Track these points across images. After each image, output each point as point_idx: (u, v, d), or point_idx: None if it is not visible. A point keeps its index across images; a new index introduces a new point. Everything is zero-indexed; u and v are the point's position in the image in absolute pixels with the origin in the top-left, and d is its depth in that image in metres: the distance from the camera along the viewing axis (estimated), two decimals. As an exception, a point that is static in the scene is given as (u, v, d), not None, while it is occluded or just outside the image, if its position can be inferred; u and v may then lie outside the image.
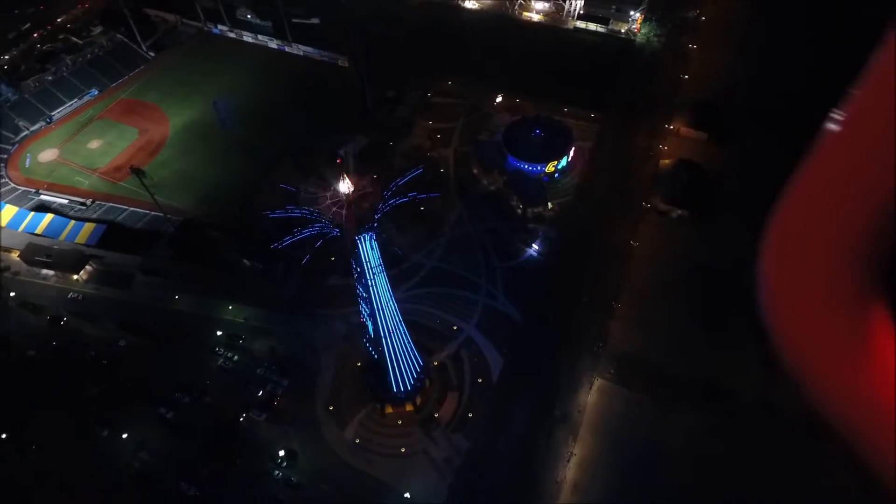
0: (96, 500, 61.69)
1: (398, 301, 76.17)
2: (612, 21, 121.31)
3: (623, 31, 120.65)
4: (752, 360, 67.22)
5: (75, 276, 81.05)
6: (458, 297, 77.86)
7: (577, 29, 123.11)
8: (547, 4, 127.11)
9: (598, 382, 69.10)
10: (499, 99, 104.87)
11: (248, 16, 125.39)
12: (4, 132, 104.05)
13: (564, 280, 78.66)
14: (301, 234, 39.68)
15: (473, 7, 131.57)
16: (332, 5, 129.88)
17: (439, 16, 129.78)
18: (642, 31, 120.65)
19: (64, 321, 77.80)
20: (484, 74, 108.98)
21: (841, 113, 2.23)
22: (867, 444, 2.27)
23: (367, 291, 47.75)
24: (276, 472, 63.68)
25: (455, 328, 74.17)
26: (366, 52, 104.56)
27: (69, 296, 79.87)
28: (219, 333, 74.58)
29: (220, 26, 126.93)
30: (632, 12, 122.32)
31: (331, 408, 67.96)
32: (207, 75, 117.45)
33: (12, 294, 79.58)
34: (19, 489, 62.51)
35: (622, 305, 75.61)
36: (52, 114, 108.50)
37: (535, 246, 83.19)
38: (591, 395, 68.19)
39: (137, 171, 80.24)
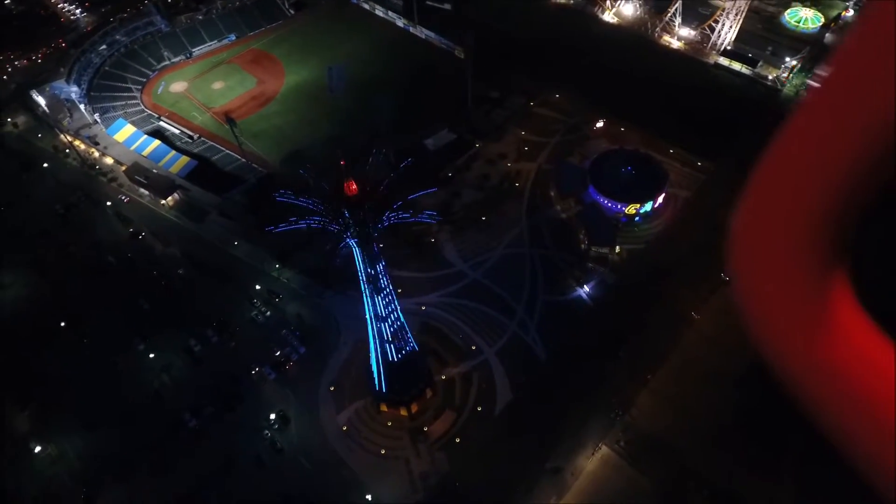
0: (112, 403, 69.71)
1: (429, 304, 77.77)
2: (760, 64, 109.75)
3: (770, 77, 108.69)
4: (788, 493, 59.60)
5: (163, 201, 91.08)
6: (490, 318, 76.42)
7: (717, 65, 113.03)
8: (693, 33, 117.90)
9: (603, 450, 64.69)
10: (600, 123, 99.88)
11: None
12: (150, 59, 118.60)
13: (605, 332, 73.95)
14: (297, 224, 41.29)
15: (612, 21, 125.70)
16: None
17: (573, 23, 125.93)
18: (792, 81, 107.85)
19: (142, 236, 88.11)
20: (596, 94, 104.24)
21: (824, 71, 2.30)
22: (822, 407, 2.35)
23: (364, 293, 48.49)
24: (267, 431, 67.65)
25: (474, 348, 73.08)
26: (478, 47, 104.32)
27: (118, 196, 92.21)
28: (258, 287, 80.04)
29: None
30: (788, 59, 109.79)
31: (332, 388, 70.50)
32: (332, 41, 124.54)
33: (108, 203, 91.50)
34: (59, 373, 72.51)
35: (659, 379, 69.65)
36: (193, 50, 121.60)
37: (586, 287, 78.98)
38: (592, 462, 64.05)
39: (230, 121, 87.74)
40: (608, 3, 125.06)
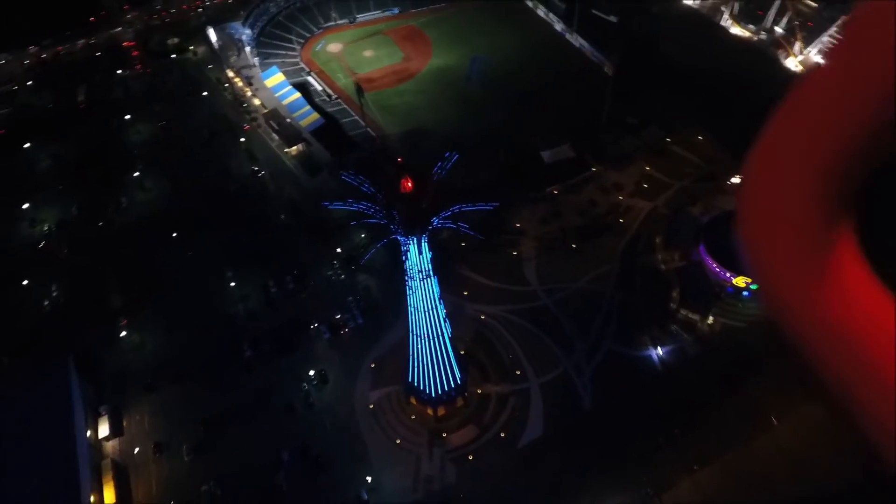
0: (192, 314, 79.73)
1: (490, 315, 78.11)
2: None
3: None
4: None
5: (287, 149, 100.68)
6: (546, 348, 74.87)
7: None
8: None
9: (619, 523, 61.15)
10: (737, 179, 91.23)
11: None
12: (319, 17, 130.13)
13: (666, 403, 69.02)
14: (351, 206, 44.01)
15: (794, 69, 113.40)
16: (641, 12, 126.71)
17: (749, 62, 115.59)
18: None
19: (261, 175, 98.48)
20: (746, 145, 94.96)
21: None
22: (822, 361, 2.42)
23: (410, 290, 50.36)
24: (305, 384, 73.14)
25: (519, 373, 72.26)
26: (631, 68, 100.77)
27: (241, 124, 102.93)
28: (339, 250, 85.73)
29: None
30: None
31: (373, 365, 74.07)
32: (486, 31, 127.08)
33: (242, 139, 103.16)
34: (160, 275, 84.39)
35: (708, 473, 63.71)
36: (357, 16, 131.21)
37: (660, 349, 74.00)
38: (602, 532, 60.91)
39: (358, 89, 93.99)
40: (796, 48, 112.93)
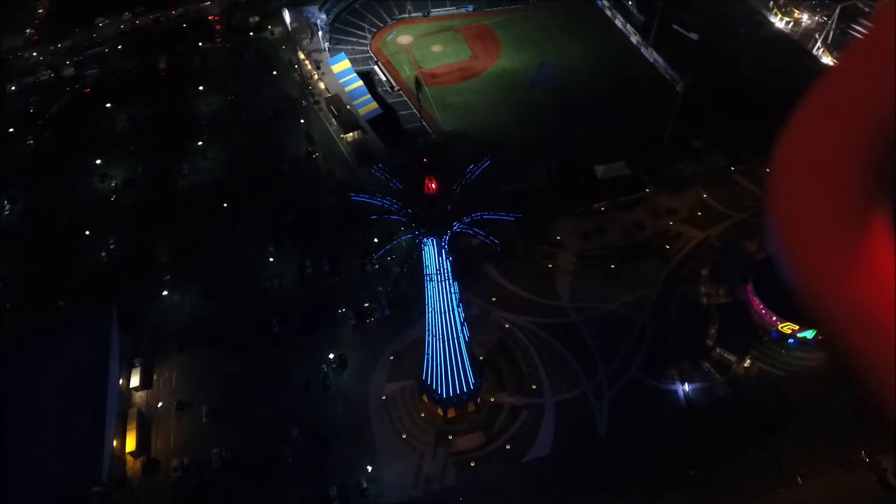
0: (229, 283, 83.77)
1: (515, 324, 77.67)
2: None
3: None
4: None
5: (343, 134, 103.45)
6: (568, 367, 73.71)
7: None
8: None
9: (613, 559, 59.64)
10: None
11: (630, 1, 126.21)
12: (394, 8, 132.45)
13: (685, 442, 66.53)
14: (374, 200, 44.89)
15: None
16: (726, 32, 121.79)
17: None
18: None
19: (315, 156, 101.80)
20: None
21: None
22: (849, 346, 2.36)
23: (426, 291, 50.91)
24: (325, 366, 75.37)
25: (534, 387, 71.52)
26: (706, 89, 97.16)
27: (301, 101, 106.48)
28: (376, 241, 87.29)
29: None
30: None
31: (392, 358, 75.32)
32: (558, 37, 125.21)
33: (303, 121, 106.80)
34: (206, 242, 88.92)
35: (718, 522, 61.02)
36: (431, 11, 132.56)
37: (687, 387, 71.24)
38: (594, 563, 59.60)
39: (418, 82, 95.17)
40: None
